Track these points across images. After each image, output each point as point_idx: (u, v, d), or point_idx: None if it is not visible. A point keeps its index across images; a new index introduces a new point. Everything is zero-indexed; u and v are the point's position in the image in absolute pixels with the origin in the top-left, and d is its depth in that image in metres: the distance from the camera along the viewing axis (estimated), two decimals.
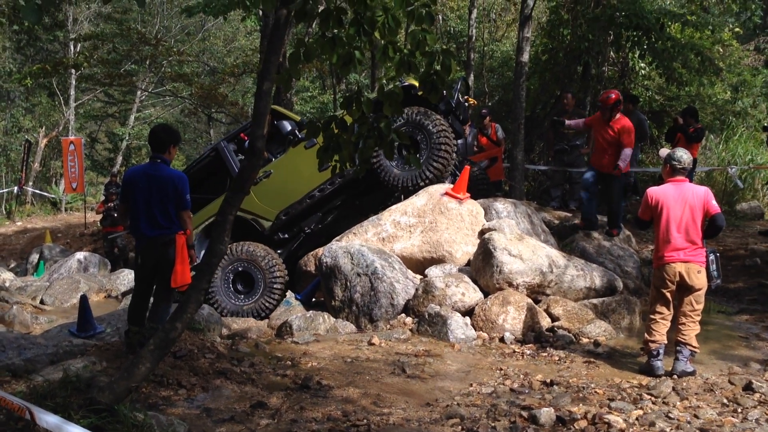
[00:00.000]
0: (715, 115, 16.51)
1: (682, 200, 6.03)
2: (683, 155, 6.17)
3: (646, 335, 6.18)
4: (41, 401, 4.33)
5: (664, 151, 6.67)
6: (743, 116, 16.63)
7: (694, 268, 5.98)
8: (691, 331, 6.03)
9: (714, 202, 6.08)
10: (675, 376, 5.84)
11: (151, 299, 6.24)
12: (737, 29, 16.98)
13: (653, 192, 6.22)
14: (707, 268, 6.06)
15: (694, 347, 6.04)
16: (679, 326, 6.06)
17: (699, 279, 6.00)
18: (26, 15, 3.68)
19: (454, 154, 9.36)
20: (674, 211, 6.03)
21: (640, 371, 6.12)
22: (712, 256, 6.13)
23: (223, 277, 8.99)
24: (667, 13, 14.01)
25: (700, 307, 6.08)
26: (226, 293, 9.00)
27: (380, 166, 9.23)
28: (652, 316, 6.16)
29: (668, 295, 6.09)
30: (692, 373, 5.91)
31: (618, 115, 8.93)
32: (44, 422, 3.69)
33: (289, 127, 9.58)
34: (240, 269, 9.04)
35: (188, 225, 6.11)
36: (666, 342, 6.09)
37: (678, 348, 6.02)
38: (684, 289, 6.04)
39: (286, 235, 9.77)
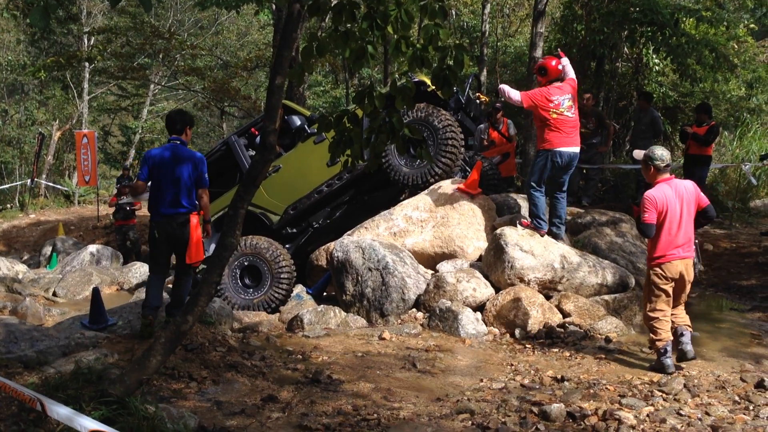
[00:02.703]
0: (730, 111, 16.41)
1: (679, 198, 6.02)
2: (663, 153, 6.10)
3: (651, 335, 6.10)
4: (53, 393, 4.37)
5: (638, 153, 6.37)
6: (758, 113, 16.52)
7: (690, 263, 6.09)
8: (685, 314, 6.21)
9: (702, 193, 6.15)
10: (684, 373, 5.82)
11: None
12: (752, 25, 16.85)
13: (657, 196, 6.02)
14: None
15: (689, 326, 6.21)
16: (676, 313, 6.13)
17: (693, 270, 6.18)
18: (34, 20, 3.81)
19: (462, 149, 9.32)
20: (673, 210, 6.00)
21: (651, 369, 6.10)
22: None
23: (231, 273, 8.98)
24: (682, 8, 13.91)
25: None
26: (235, 289, 8.99)
27: (389, 165, 9.21)
28: (654, 315, 6.08)
29: (670, 291, 6.09)
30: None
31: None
32: (55, 414, 3.71)
33: (298, 122, 9.61)
34: (246, 263, 9.04)
35: (206, 203, 6.54)
36: (672, 338, 6.07)
37: (682, 332, 6.06)
38: (681, 283, 6.09)
39: (294, 230, 9.77)
